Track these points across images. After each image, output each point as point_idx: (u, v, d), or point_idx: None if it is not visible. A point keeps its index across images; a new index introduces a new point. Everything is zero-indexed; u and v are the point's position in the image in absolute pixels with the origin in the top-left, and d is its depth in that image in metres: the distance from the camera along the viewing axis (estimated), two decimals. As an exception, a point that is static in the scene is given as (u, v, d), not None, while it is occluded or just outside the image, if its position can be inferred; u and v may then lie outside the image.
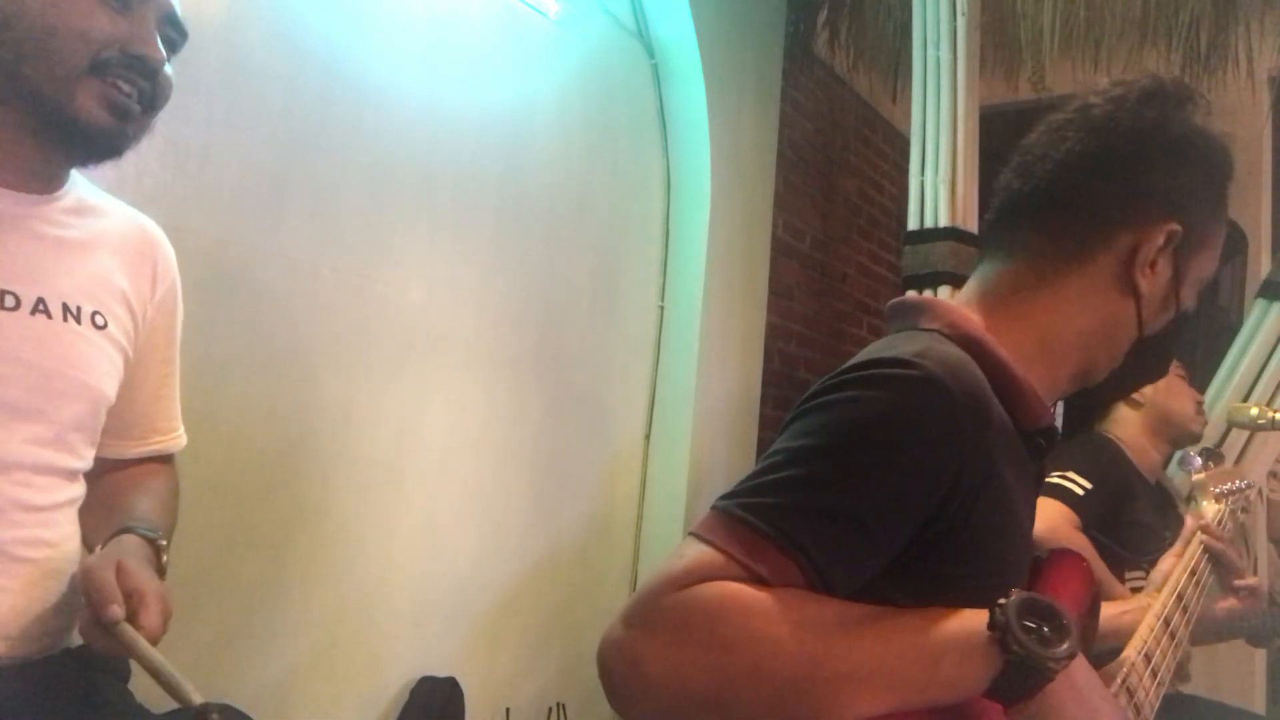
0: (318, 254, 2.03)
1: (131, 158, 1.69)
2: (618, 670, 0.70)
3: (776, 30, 3.50)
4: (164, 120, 1.77)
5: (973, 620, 0.70)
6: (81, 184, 1.14)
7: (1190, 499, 1.59)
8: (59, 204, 1.09)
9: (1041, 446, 0.87)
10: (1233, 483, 1.56)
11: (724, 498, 0.75)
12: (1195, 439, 2.10)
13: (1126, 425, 2.10)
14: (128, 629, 0.94)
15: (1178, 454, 1.92)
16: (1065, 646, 0.67)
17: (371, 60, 2.16)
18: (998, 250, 0.93)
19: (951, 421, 0.75)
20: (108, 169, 1.63)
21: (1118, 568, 1.85)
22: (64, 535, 1.07)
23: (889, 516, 0.74)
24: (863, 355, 0.82)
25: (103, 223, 1.15)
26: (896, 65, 3.52)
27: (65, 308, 1.05)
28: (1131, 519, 1.92)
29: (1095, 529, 1.84)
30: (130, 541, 1.05)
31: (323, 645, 2.05)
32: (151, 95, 1.08)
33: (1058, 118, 0.92)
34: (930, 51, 2.83)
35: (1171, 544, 1.90)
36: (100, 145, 1.07)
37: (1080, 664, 0.71)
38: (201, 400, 1.79)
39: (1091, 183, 0.88)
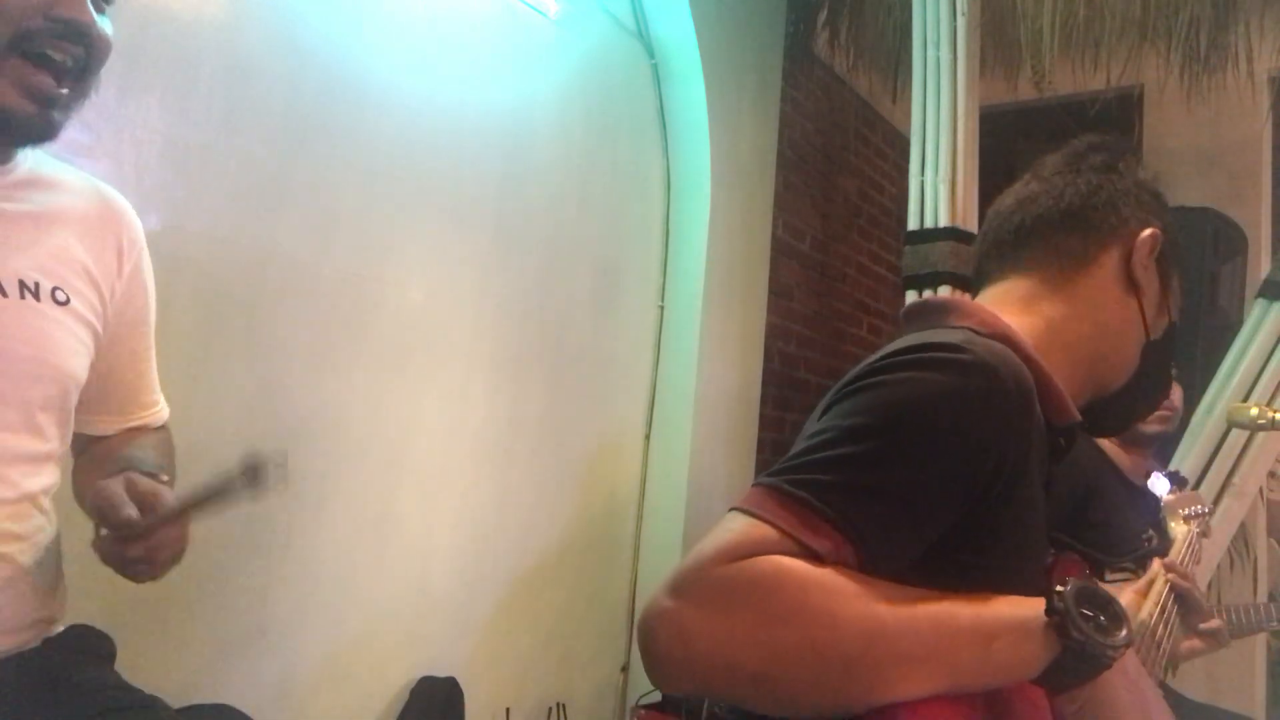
0: (317, 254, 2.03)
1: (131, 157, 1.71)
2: (662, 641, 0.68)
3: (776, 30, 3.51)
4: (164, 120, 1.78)
5: (1028, 606, 0.70)
6: (35, 156, 1.09)
7: (1162, 518, 1.64)
8: (8, 178, 1.04)
9: (1060, 447, 0.89)
10: (1196, 507, 1.62)
11: (770, 474, 0.75)
12: (1151, 440, 2.07)
13: None
14: (145, 518, 0.93)
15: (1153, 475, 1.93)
16: (1123, 635, 0.68)
17: (371, 60, 2.16)
18: (1002, 269, 1.00)
19: (1001, 407, 0.76)
20: (106, 167, 1.63)
21: (1095, 569, 1.85)
22: (36, 526, 1.04)
23: (938, 498, 0.74)
24: (904, 342, 0.82)
25: (60, 197, 1.09)
26: (896, 65, 3.52)
27: (21, 284, 1.00)
28: (1101, 520, 1.91)
29: (1055, 529, 1.83)
30: (131, 473, 1.03)
31: (323, 646, 2.05)
32: (85, 60, 1.01)
33: (1025, 177, 1.03)
34: (930, 51, 2.83)
35: (1155, 544, 1.90)
36: (27, 133, 1.01)
37: (1131, 654, 0.73)
38: (201, 399, 1.79)
39: (1083, 197, 0.98)
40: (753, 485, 0.75)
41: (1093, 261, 0.96)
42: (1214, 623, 1.59)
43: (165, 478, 1.08)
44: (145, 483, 0.98)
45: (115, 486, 0.96)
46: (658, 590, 0.70)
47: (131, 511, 0.93)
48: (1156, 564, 1.45)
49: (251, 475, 0.91)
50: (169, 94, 1.76)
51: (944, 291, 2.67)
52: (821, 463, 0.73)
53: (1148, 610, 1.22)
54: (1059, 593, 0.68)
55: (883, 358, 0.80)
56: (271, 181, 1.94)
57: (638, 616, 0.71)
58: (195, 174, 1.80)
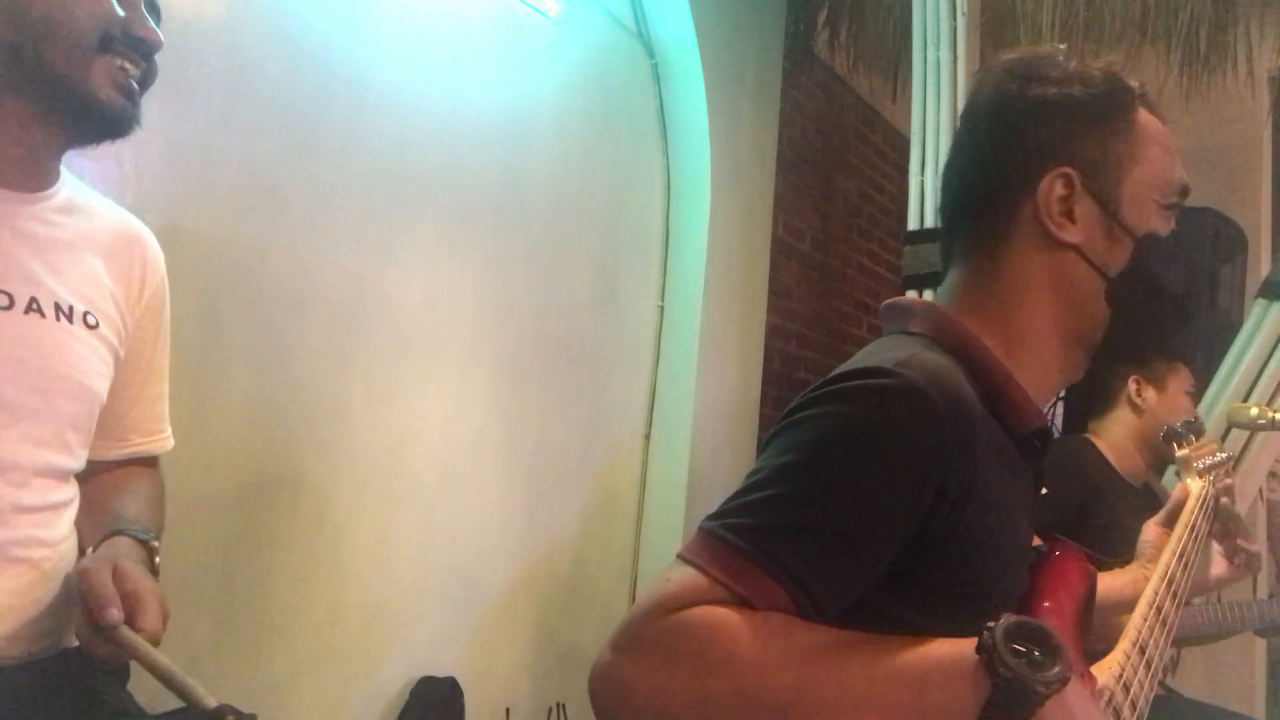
0: (318, 254, 2.03)
1: (131, 157, 1.70)
2: (605, 695, 0.70)
3: (776, 30, 3.50)
4: (164, 120, 1.77)
5: (962, 645, 0.68)
6: (72, 183, 1.15)
7: (1176, 475, 1.56)
8: (50, 203, 1.09)
9: (1037, 447, 0.87)
10: (1214, 456, 1.51)
11: (710, 518, 0.75)
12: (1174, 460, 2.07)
13: (1117, 428, 2.10)
14: (127, 632, 0.94)
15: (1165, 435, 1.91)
16: (1056, 670, 0.65)
17: (371, 60, 2.16)
18: (950, 260, 0.95)
19: (934, 430, 0.74)
20: (109, 168, 1.63)
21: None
22: (60, 536, 1.07)
23: (874, 531, 0.73)
24: (844, 366, 0.82)
25: (92, 223, 1.14)
26: (896, 65, 3.51)
27: (58, 307, 1.05)
28: (1103, 521, 1.92)
29: (1059, 531, 1.85)
30: (123, 544, 1.05)
31: (323, 645, 2.05)
32: (146, 80, 1.11)
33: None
34: (930, 52, 2.83)
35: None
36: (111, 125, 1.08)
37: (1073, 689, 0.69)
38: (201, 400, 1.79)
39: (977, 169, 0.92)
40: (697, 529, 0.75)
41: (1008, 235, 0.88)
42: (1253, 545, 1.51)
43: (156, 543, 1.10)
44: (131, 579, 0.98)
45: (103, 577, 0.96)
46: (604, 645, 0.72)
47: (115, 614, 0.94)
48: (1180, 489, 1.40)
49: None
50: (169, 94, 1.76)
51: (943, 292, 2.67)
52: (750, 505, 0.74)
53: (1166, 558, 1.18)
54: (989, 629, 0.66)
55: (814, 389, 0.79)
56: (271, 181, 1.94)
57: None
58: (195, 174, 1.80)
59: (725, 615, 0.69)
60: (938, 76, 2.81)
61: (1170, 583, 1.14)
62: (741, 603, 0.70)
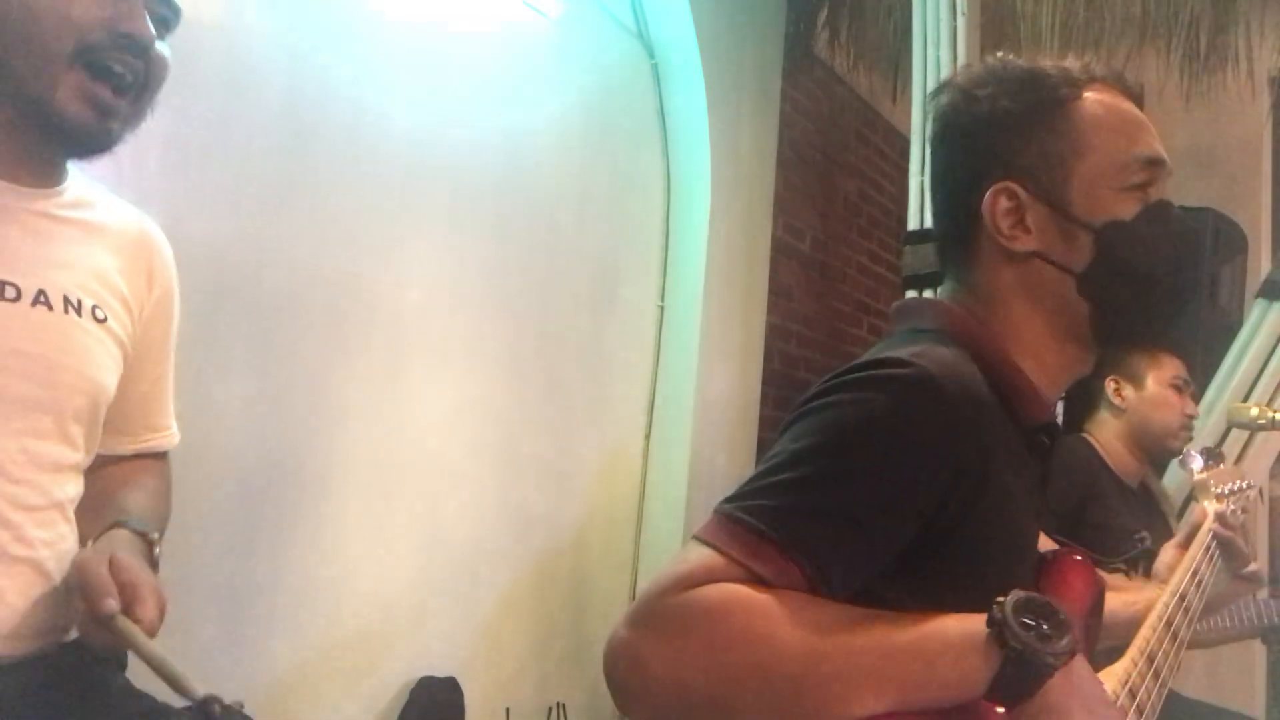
0: (318, 254, 2.03)
1: (131, 158, 1.70)
2: (621, 670, 0.70)
3: (776, 30, 3.50)
4: (164, 120, 1.77)
5: (972, 621, 0.70)
6: (82, 180, 1.14)
7: (1192, 498, 1.58)
8: (58, 199, 1.09)
9: (1045, 445, 0.88)
10: (1234, 482, 1.53)
11: (726, 501, 0.76)
12: (1173, 454, 2.09)
13: (1104, 430, 2.10)
14: (124, 622, 0.94)
15: (1181, 454, 1.92)
16: (1065, 642, 0.67)
17: (371, 60, 2.16)
18: (944, 271, 0.98)
19: (949, 420, 0.76)
20: (108, 168, 1.63)
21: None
22: (61, 534, 1.06)
23: (889, 516, 0.74)
24: (861, 358, 0.83)
25: (102, 219, 1.14)
26: (896, 65, 3.52)
27: (66, 300, 1.05)
28: (1099, 521, 1.92)
29: (1054, 531, 1.86)
30: (122, 536, 1.05)
31: (323, 645, 2.05)
32: (145, 75, 1.05)
33: None
34: (930, 51, 2.84)
35: (1147, 546, 1.90)
36: (85, 143, 1.05)
37: (1080, 664, 0.71)
38: (202, 400, 1.79)
39: (938, 193, 0.98)
40: (713, 512, 0.76)
41: (975, 252, 0.90)
42: (1254, 565, 1.55)
43: (155, 535, 1.09)
44: (128, 571, 0.98)
45: (100, 568, 0.97)
46: (619, 621, 0.72)
47: (113, 604, 0.94)
48: (1197, 515, 1.42)
49: (203, 711, 0.92)
50: (169, 94, 1.76)
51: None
52: (768, 488, 0.75)
53: (1180, 575, 1.21)
54: (999, 603, 0.68)
55: (831, 378, 0.81)
56: (271, 182, 1.94)
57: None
58: (195, 174, 1.80)
59: (741, 591, 0.69)
60: (938, 76, 2.81)
61: (1183, 598, 1.16)
62: (757, 581, 0.70)
